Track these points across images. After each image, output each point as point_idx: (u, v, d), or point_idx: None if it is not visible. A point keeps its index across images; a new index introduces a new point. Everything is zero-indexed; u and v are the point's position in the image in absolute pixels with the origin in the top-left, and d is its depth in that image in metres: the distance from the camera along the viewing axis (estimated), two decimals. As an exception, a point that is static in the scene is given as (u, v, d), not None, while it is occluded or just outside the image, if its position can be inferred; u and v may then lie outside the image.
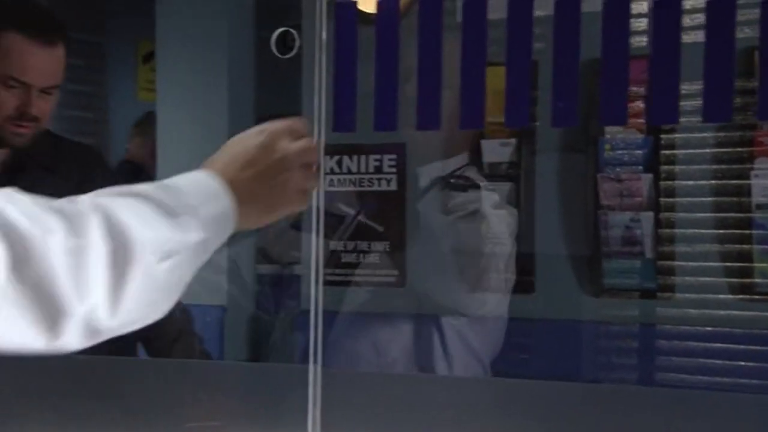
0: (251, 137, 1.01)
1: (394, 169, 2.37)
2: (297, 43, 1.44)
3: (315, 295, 1.30)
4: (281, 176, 0.99)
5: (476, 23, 1.37)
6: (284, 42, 1.51)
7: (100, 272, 0.82)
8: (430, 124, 1.28)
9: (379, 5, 1.38)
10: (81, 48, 4.17)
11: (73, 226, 0.82)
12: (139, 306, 0.86)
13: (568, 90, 1.33)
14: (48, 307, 0.79)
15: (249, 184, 0.97)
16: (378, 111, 1.37)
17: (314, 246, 1.34)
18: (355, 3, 1.37)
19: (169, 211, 0.89)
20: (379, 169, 2.40)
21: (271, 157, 0.99)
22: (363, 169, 2.38)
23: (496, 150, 2.66)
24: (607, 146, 2.52)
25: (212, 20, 2.99)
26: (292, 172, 1.00)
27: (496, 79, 1.35)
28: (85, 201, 0.87)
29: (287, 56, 1.45)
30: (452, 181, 2.17)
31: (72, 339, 0.82)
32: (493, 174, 2.67)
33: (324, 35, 1.31)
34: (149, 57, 4.45)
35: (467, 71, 1.36)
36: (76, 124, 4.15)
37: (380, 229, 2.34)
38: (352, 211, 2.34)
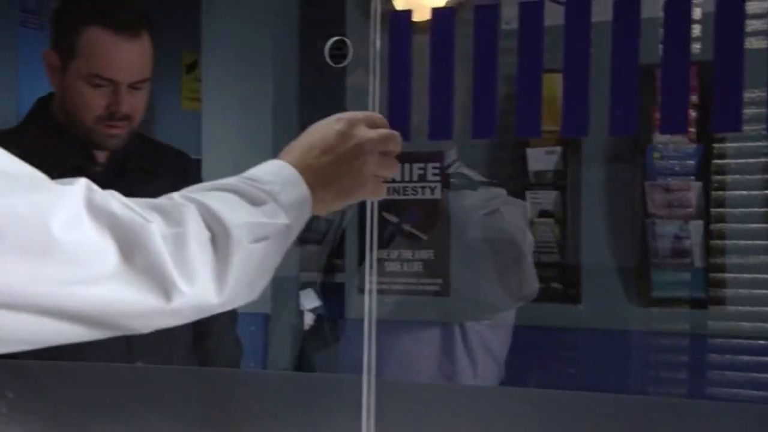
0: (330, 124, 1.04)
1: (437, 178, 2.35)
2: (350, 52, 1.43)
3: (369, 304, 1.29)
4: (357, 161, 1.02)
5: (533, 30, 1.36)
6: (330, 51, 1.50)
7: (205, 257, 0.89)
8: (486, 132, 1.26)
9: (434, 15, 1.36)
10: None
11: (173, 217, 0.89)
12: (240, 286, 0.92)
13: (628, 97, 1.31)
14: (160, 289, 0.86)
15: (325, 170, 1.01)
16: (433, 120, 1.35)
17: (367, 255, 1.33)
18: (410, 12, 1.35)
19: (254, 200, 0.95)
20: (422, 178, 2.38)
21: (348, 142, 1.02)
22: (407, 178, 2.37)
23: (542, 158, 2.63)
24: (656, 154, 2.49)
25: (256, 29, 3.00)
26: (369, 157, 1.03)
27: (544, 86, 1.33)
28: (177, 196, 0.93)
29: (341, 65, 1.45)
30: (454, 180, 2.16)
31: (184, 314, 0.89)
32: (539, 182, 2.64)
33: (378, 44, 1.29)
34: (193, 66, 4.48)
35: (523, 79, 1.34)
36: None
37: (424, 237, 2.33)
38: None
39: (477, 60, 1.34)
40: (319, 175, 1.01)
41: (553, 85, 1.42)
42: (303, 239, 2.26)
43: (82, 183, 0.86)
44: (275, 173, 0.99)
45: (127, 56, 1.64)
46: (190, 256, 0.87)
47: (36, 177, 0.84)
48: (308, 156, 1.01)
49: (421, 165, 2.38)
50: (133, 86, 1.65)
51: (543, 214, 2.64)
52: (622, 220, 2.55)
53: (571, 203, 2.61)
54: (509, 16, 2.65)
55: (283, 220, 0.96)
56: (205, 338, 1.83)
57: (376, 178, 1.06)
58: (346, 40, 1.46)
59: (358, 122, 1.04)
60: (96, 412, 1.36)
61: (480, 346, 2.12)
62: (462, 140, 1.95)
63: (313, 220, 1.05)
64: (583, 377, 2.60)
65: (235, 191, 0.95)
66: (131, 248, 0.84)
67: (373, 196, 1.09)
